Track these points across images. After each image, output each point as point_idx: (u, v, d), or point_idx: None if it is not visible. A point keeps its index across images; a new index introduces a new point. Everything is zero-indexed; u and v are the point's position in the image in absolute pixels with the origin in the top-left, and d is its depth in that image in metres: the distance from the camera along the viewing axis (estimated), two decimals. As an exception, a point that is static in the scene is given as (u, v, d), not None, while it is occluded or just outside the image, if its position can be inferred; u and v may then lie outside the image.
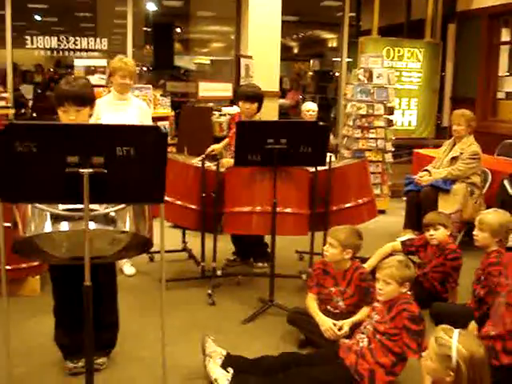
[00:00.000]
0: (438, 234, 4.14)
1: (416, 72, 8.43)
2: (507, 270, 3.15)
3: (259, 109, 4.78)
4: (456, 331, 2.35)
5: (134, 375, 3.19)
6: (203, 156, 4.64)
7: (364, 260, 4.21)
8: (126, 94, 4.48)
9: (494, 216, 3.69)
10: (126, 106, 4.45)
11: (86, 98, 2.90)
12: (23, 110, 7.97)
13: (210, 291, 4.26)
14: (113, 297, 3.23)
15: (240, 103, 4.77)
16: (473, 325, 3.46)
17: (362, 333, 3.09)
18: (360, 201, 4.48)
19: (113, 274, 3.22)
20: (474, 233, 3.76)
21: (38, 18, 11.93)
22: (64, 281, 3.05)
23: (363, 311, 3.42)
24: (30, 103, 9.38)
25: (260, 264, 4.95)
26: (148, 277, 4.67)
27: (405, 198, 5.83)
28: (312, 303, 3.57)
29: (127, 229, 2.58)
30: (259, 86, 4.86)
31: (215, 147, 5.11)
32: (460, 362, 2.26)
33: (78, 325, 3.08)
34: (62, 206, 2.46)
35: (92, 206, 2.31)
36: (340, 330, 3.35)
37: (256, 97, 4.71)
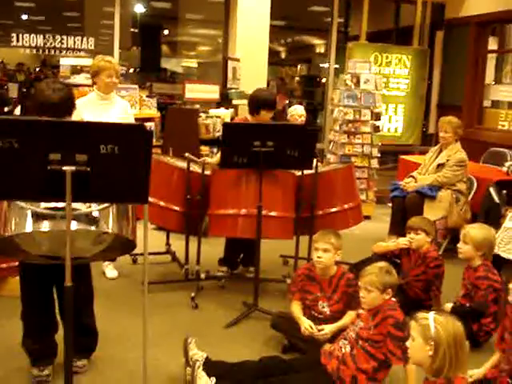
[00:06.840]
0: (418, 239, 4.11)
1: (403, 78, 8.44)
2: None
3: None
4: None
5: (115, 378, 3.14)
6: (189, 156, 4.25)
7: (348, 265, 4.19)
8: (111, 94, 4.39)
9: (478, 230, 3.80)
10: (109, 106, 4.35)
11: (64, 111, 2.75)
12: (6, 109, 7.85)
13: (193, 294, 4.21)
14: (88, 300, 3.14)
15: (262, 112, 4.35)
16: (447, 306, 3.69)
17: (345, 338, 3.07)
18: (346, 206, 4.45)
19: (88, 277, 3.11)
20: (458, 245, 3.85)
21: (24, 17, 11.87)
22: (35, 284, 2.96)
23: (348, 316, 3.39)
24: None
25: (252, 269, 4.60)
26: (131, 279, 4.61)
27: (390, 204, 5.82)
28: (296, 307, 3.53)
29: (110, 229, 2.53)
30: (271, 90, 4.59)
31: (209, 161, 4.65)
32: (438, 328, 2.30)
33: (46, 330, 3.03)
34: (43, 204, 2.40)
35: (74, 205, 2.26)
36: (321, 331, 3.32)
37: (275, 103, 4.48)
